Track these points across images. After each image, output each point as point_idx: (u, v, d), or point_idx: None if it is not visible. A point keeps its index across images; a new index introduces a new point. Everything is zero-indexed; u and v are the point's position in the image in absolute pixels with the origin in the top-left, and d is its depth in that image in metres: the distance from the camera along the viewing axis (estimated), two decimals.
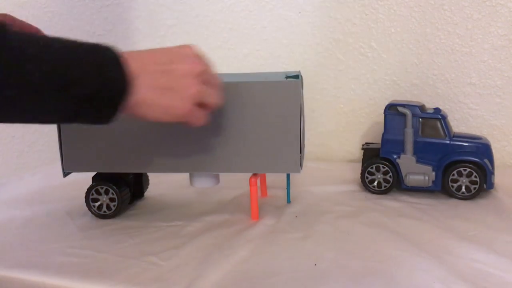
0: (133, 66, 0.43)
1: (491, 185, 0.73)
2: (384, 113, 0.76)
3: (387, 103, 0.77)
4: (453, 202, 0.72)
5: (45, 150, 1.12)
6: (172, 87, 0.46)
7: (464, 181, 0.73)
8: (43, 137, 1.11)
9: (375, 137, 0.97)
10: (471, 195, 0.72)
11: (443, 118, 0.74)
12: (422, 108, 0.75)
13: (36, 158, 1.13)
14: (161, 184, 0.82)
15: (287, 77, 0.66)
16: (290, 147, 0.60)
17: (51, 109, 0.40)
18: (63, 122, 0.43)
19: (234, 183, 0.77)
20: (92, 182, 0.69)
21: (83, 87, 0.40)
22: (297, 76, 0.66)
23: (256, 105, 0.59)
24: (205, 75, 0.49)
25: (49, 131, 1.08)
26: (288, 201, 0.73)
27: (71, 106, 0.40)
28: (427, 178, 0.74)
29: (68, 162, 0.65)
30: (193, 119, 0.50)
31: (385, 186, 0.77)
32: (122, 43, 1.10)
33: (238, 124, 0.60)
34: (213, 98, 0.51)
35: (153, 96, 0.45)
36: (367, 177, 0.77)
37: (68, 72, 0.39)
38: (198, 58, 0.49)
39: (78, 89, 0.39)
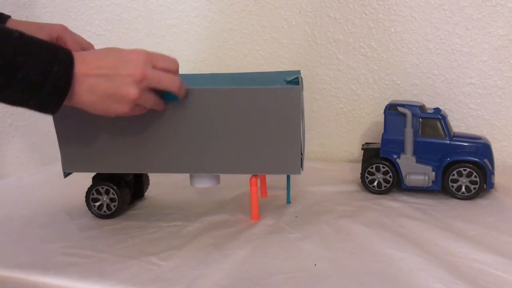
0: (79, 68, 0.47)
1: (491, 185, 0.73)
2: (384, 113, 0.76)
3: (387, 103, 0.77)
4: (453, 202, 0.72)
5: (45, 150, 1.12)
6: (111, 93, 0.49)
7: (464, 181, 0.73)
8: (43, 137, 1.11)
9: (375, 137, 0.97)
10: (471, 195, 0.72)
11: (443, 118, 0.74)
12: (422, 108, 0.75)
13: (36, 158, 1.13)
14: (161, 184, 0.82)
15: (288, 81, 0.66)
16: (291, 149, 0.60)
17: (2, 89, 0.44)
18: (14, 105, 0.47)
19: (234, 183, 0.77)
20: (92, 182, 0.69)
21: (30, 75, 0.44)
22: (297, 82, 0.66)
23: (257, 110, 0.59)
24: (148, 81, 0.51)
25: (49, 131, 1.08)
26: (288, 201, 0.73)
27: (18, 91, 0.44)
28: (427, 178, 0.74)
29: (68, 162, 0.65)
30: (138, 112, 0.54)
31: (385, 186, 0.77)
32: (122, 43, 1.11)
33: (239, 127, 0.60)
34: (153, 102, 0.55)
35: (91, 98, 0.49)
36: (367, 177, 0.77)
37: (19, 58, 0.43)
38: (145, 64, 0.51)
39: (25, 76, 0.44)
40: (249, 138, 0.60)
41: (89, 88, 0.48)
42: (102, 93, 0.49)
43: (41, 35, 0.59)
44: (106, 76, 0.49)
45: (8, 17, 0.65)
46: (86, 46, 0.66)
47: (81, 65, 0.47)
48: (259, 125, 0.60)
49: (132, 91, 0.50)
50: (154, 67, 0.52)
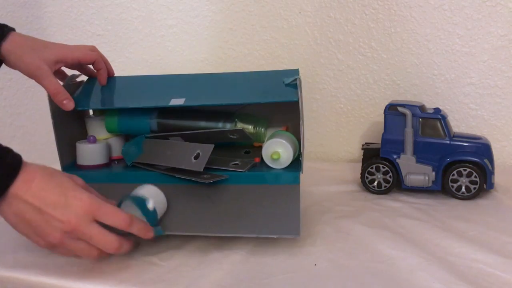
0: (17, 188, 0.45)
1: (491, 185, 0.73)
2: (384, 113, 0.76)
3: (387, 103, 0.77)
4: (453, 202, 0.72)
5: (45, 150, 1.12)
6: (34, 225, 0.47)
7: (464, 181, 0.73)
8: (43, 137, 1.11)
9: (375, 137, 0.97)
10: (471, 195, 0.72)
11: (443, 118, 0.74)
12: (422, 108, 0.75)
13: (36, 158, 1.13)
14: None
15: (286, 84, 0.66)
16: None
17: None
18: None
19: None
20: None
21: None
22: (295, 85, 0.65)
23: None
24: (78, 235, 0.48)
25: (49, 131, 1.08)
26: None
27: None
28: (427, 178, 0.74)
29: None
30: (62, 254, 0.51)
31: (385, 186, 0.77)
32: (122, 43, 1.11)
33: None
34: (81, 252, 0.50)
35: (14, 221, 0.47)
36: (367, 177, 0.77)
37: None
38: (83, 216, 0.47)
39: None
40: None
41: (17, 211, 0.46)
42: (26, 221, 0.46)
43: (45, 55, 0.60)
44: (38, 209, 0.46)
45: (12, 29, 0.62)
46: (94, 55, 0.66)
47: (22, 186, 0.45)
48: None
49: (54, 235, 0.47)
50: (96, 221, 0.48)
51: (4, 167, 0.44)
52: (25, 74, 0.61)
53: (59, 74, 0.66)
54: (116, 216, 0.49)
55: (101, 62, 0.67)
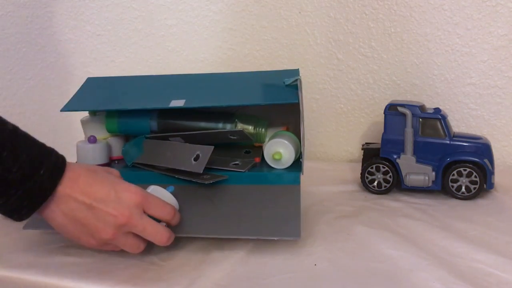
0: (65, 186, 0.44)
1: (491, 185, 0.73)
2: (384, 113, 0.76)
3: (387, 103, 0.77)
4: (453, 202, 0.72)
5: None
6: (86, 224, 0.46)
7: (464, 181, 0.73)
8: (43, 137, 1.11)
9: (375, 137, 0.98)
10: (471, 195, 0.72)
11: (443, 118, 0.74)
12: (422, 108, 0.75)
13: None
14: None
15: (287, 85, 0.66)
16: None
17: None
18: None
19: None
20: None
21: (10, 174, 0.40)
22: (296, 86, 0.65)
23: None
24: (131, 228, 0.47)
25: (49, 131, 1.08)
26: None
27: None
28: (427, 178, 0.74)
29: None
30: (109, 249, 0.51)
31: (385, 186, 0.77)
32: (122, 43, 1.11)
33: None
34: (130, 247, 0.50)
35: (63, 221, 0.46)
36: (367, 177, 0.77)
37: (3, 153, 0.39)
38: (135, 208, 0.47)
39: (5, 173, 0.40)
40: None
41: (67, 210, 0.45)
42: (77, 220, 0.45)
43: None
44: (89, 206, 0.45)
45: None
46: None
47: (69, 184, 0.44)
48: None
49: (107, 231, 0.46)
50: (146, 212, 0.48)
51: (50, 167, 0.43)
52: None
53: None
54: (163, 208, 0.50)
55: None
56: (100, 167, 0.51)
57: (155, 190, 0.54)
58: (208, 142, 0.63)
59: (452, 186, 0.73)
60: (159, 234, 0.49)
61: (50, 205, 0.44)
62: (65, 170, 0.44)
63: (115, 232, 0.47)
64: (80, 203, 0.45)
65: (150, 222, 0.48)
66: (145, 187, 0.61)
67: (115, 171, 0.53)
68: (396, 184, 0.76)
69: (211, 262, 0.53)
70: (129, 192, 0.47)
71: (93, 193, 0.45)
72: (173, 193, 0.55)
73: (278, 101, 0.64)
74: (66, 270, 0.52)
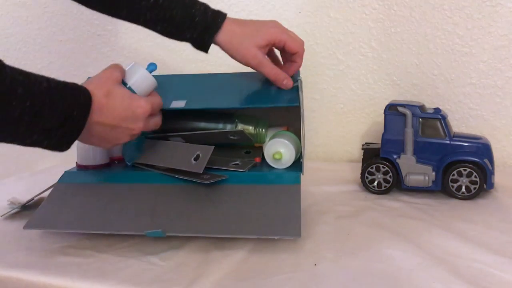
0: (94, 116, 0.52)
1: (491, 185, 0.73)
2: (384, 113, 0.76)
3: (387, 103, 0.77)
4: (453, 202, 0.72)
5: (45, 150, 1.12)
6: (110, 139, 0.56)
7: (464, 181, 0.73)
8: None
9: (375, 137, 0.98)
10: (471, 195, 0.72)
11: (443, 118, 0.74)
12: (422, 108, 0.75)
13: (36, 158, 1.13)
14: None
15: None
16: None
17: (19, 135, 0.48)
18: (28, 146, 0.50)
19: None
20: None
21: (50, 122, 0.48)
22: (296, 88, 0.65)
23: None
24: (143, 131, 0.59)
25: None
26: None
27: (36, 134, 0.48)
28: (427, 178, 0.74)
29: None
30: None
31: (385, 186, 0.77)
32: (122, 43, 1.11)
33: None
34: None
35: (95, 141, 0.56)
36: (367, 177, 0.77)
37: (43, 112, 0.47)
38: (147, 118, 0.58)
39: (46, 123, 0.48)
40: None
41: (97, 134, 0.54)
42: (104, 138, 0.56)
43: (257, 41, 0.64)
44: (113, 126, 0.55)
45: (224, 17, 0.65)
46: (300, 45, 0.67)
47: (97, 114, 0.52)
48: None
49: (125, 140, 0.58)
50: (152, 115, 0.59)
51: (80, 101, 0.50)
52: (241, 63, 0.66)
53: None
54: (160, 103, 0.62)
55: (301, 56, 0.68)
56: (107, 78, 0.56)
57: (135, 67, 0.60)
58: (209, 142, 0.63)
59: (452, 186, 0.73)
60: (158, 125, 0.62)
61: (84, 134, 0.52)
62: (91, 102, 0.52)
63: (130, 139, 0.58)
64: (108, 126, 0.54)
65: (154, 121, 0.60)
66: (145, 187, 0.61)
67: (116, 71, 0.58)
68: (396, 184, 0.76)
69: (211, 261, 0.54)
70: (140, 108, 0.56)
71: (116, 116, 0.55)
72: (154, 71, 0.61)
73: (279, 104, 0.64)
74: (66, 270, 0.52)
